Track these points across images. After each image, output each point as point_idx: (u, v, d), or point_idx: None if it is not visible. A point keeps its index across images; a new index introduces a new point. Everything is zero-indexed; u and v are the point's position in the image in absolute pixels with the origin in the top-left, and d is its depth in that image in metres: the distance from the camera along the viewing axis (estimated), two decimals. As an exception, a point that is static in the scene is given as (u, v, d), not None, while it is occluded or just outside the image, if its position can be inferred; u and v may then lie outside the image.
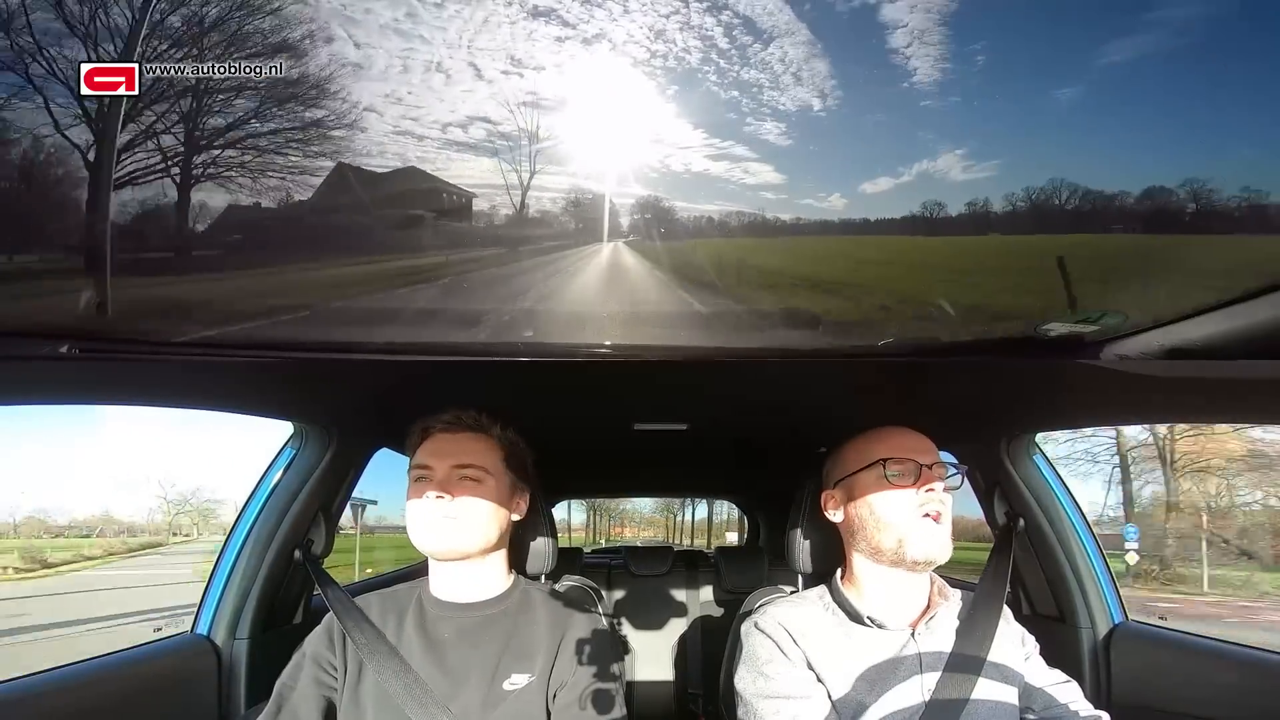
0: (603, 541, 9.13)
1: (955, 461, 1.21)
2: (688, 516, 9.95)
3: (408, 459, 1.25)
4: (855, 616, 1.15)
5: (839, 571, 1.24)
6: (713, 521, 9.05)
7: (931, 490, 1.13)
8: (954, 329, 1.11)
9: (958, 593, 1.22)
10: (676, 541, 9.22)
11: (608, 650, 1.21)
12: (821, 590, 1.23)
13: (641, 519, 10.82)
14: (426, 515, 1.16)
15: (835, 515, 1.23)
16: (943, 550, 1.13)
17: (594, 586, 1.71)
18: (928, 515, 1.13)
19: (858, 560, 1.19)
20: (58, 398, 1.27)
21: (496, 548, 1.24)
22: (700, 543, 8.77)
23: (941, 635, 1.14)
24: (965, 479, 1.24)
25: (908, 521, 1.13)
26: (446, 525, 1.16)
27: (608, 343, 1.14)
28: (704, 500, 8.11)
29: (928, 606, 1.17)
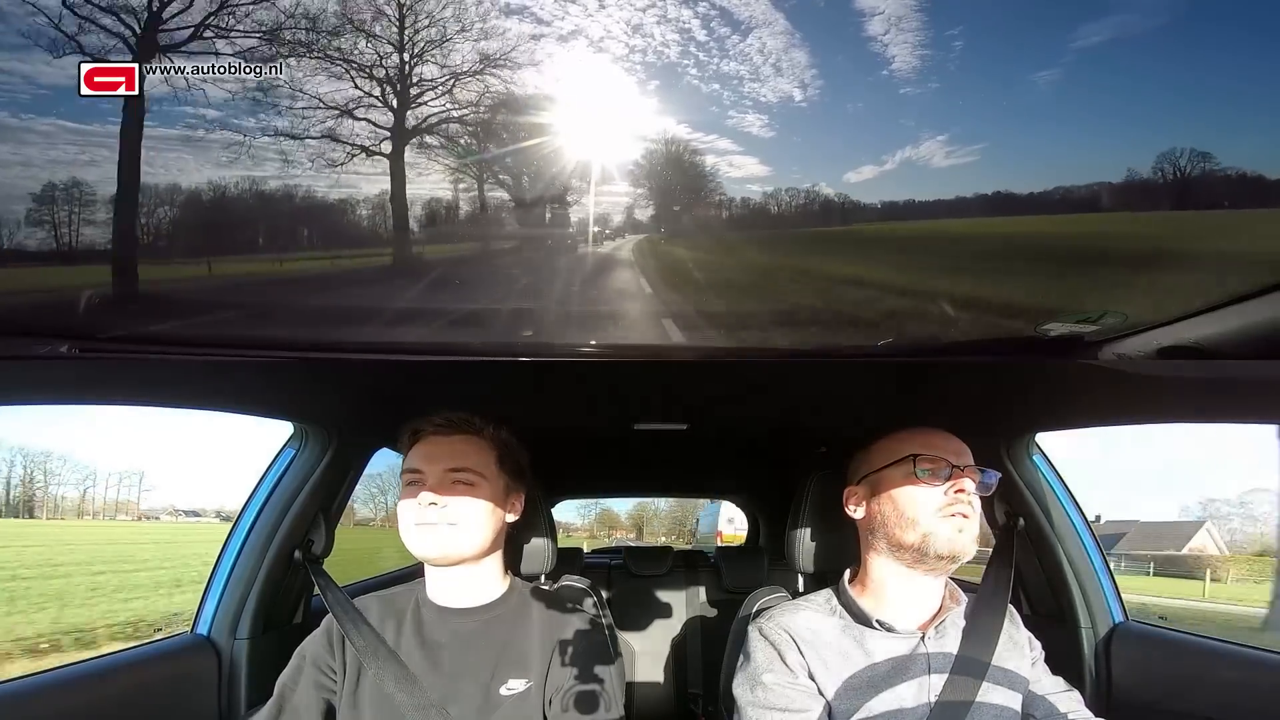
0: (605, 539, 11.39)
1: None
2: (654, 525, 13.53)
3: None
4: (863, 620, 1.14)
5: (848, 573, 1.22)
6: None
7: (961, 491, 1.10)
8: (954, 329, 1.11)
9: (965, 596, 1.20)
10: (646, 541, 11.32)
11: (604, 651, 1.20)
12: (828, 594, 1.21)
13: (625, 524, 13.89)
14: (419, 520, 1.14)
15: (857, 512, 1.21)
16: (968, 547, 1.10)
17: (593, 587, 1.70)
18: (955, 515, 1.10)
19: (875, 561, 1.17)
20: (58, 398, 1.27)
21: (491, 550, 1.22)
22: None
23: (949, 638, 1.13)
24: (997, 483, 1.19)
25: (932, 518, 1.10)
26: (440, 531, 1.14)
27: (607, 342, 1.14)
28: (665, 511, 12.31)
29: (939, 610, 1.15)
